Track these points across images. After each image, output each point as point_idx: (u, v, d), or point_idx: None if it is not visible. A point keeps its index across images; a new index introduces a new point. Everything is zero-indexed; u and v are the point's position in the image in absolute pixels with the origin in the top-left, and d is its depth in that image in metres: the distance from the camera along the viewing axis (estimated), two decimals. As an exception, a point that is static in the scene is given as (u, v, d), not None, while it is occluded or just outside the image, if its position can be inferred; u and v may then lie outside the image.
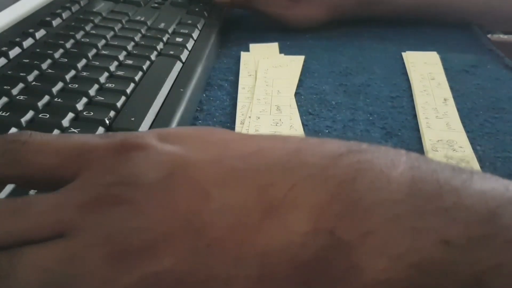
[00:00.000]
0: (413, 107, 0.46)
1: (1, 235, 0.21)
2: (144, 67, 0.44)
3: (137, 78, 0.42)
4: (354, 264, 0.19)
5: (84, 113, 0.36)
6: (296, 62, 0.54)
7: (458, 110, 0.45)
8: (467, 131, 0.42)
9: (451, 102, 0.46)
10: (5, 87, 0.37)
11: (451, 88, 0.49)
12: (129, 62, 0.45)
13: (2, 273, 0.20)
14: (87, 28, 0.50)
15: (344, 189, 0.20)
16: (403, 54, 0.56)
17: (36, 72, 0.40)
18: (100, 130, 0.34)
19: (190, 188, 0.21)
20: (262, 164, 0.22)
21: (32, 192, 0.27)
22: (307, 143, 0.23)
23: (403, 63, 0.54)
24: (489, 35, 0.63)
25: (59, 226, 0.21)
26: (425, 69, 0.52)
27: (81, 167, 0.23)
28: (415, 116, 0.45)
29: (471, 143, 0.40)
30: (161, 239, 0.20)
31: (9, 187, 0.28)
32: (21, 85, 0.38)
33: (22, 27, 0.48)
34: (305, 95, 0.48)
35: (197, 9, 0.60)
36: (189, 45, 0.51)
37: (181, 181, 0.21)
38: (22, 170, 0.23)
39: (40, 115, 0.35)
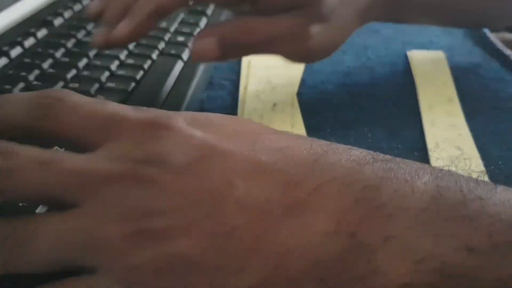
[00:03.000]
0: (417, 106, 0.46)
1: (21, 184, 0.21)
2: (145, 66, 0.44)
3: (138, 77, 0.42)
4: (374, 267, 0.19)
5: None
6: (298, 62, 0.54)
7: (462, 109, 0.45)
8: (471, 130, 0.42)
9: (456, 101, 0.46)
10: (6, 86, 0.37)
11: (455, 87, 0.48)
12: (130, 61, 0.45)
13: (16, 242, 0.20)
14: (89, 27, 0.50)
15: (368, 194, 0.20)
16: (408, 53, 0.55)
17: (37, 72, 0.40)
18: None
19: (215, 177, 0.21)
20: (289, 161, 0.22)
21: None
22: (334, 147, 0.23)
23: (407, 62, 0.54)
24: (493, 34, 0.63)
25: (82, 190, 0.21)
26: (430, 68, 0.52)
27: (110, 135, 0.23)
28: (418, 115, 0.44)
29: (475, 142, 0.40)
30: (179, 222, 0.20)
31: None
32: (22, 85, 0.38)
33: (24, 27, 0.48)
34: (307, 94, 0.48)
35: (199, 8, 0.60)
36: (191, 44, 0.51)
37: (208, 168, 0.21)
38: (52, 126, 0.23)
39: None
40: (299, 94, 0.47)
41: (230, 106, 0.46)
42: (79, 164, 0.22)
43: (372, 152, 0.23)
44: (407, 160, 0.23)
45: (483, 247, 0.19)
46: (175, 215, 0.20)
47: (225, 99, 0.47)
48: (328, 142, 0.24)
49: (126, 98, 0.39)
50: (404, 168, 0.22)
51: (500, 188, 0.21)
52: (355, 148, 0.23)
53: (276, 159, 0.22)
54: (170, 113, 0.24)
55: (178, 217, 0.20)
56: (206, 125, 0.24)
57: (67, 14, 0.53)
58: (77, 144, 0.23)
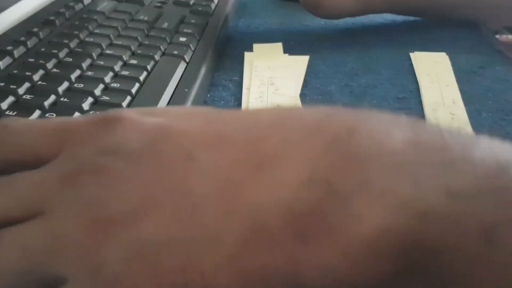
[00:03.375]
0: (421, 108, 0.46)
1: None
2: (149, 67, 0.44)
3: (141, 78, 0.42)
4: (351, 213, 0.18)
5: (90, 112, 0.36)
6: (300, 63, 0.54)
7: (467, 111, 0.45)
8: (475, 133, 0.41)
9: (460, 103, 0.46)
10: (11, 86, 0.36)
11: (459, 89, 0.48)
12: (134, 62, 0.45)
13: None
14: (91, 27, 0.50)
15: (340, 141, 0.19)
16: (411, 54, 0.55)
17: (41, 72, 0.40)
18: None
19: (173, 153, 0.20)
20: (250, 122, 0.21)
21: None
22: (300, 108, 0.23)
23: (410, 64, 0.54)
24: (497, 36, 0.63)
25: (40, 202, 0.20)
26: (433, 70, 0.52)
27: (62, 145, 0.22)
28: (423, 117, 0.44)
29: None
30: (142, 205, 0.19)
31: None
32: (27, 85, 0.37)
33: (26, 26, 0.47)
34: (310, 95, 0.48)
35: (200, 9, 0.60)
36: (193, 45, 0.51)
37: (164, 147, 0.21)
38: (3, 151, 0.23)
39: (47, 115, 0.34)
40: (302, 95, 0.47)
41: (233, 107, 0.45)
42: (31, 179, 0.21)
43: (344, 107, 0.22)
44: (383, 112, 0.22)
45: (466, 192, 0.18)
46: (134, 198, 0.19)
47: (228, 100, 0.47)
48: (294, 105, 0.24)
49: (131, 98, 0.39)
50: (378, 115, 0.21)
51: (483, 136, 0.20)
52: (326, 107, 0.22)
53: (235, 126, 0.21)
54: (119, 108, 0.24)
55: (138, 200, 0.19)
56: (158, 113, 0.23)
57: (68, 13, 0.52)
58: (34, 164, 0.22)
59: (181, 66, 0.46)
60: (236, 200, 0.19)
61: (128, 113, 0.23)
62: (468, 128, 0.42)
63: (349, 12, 0.61)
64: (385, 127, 0.20)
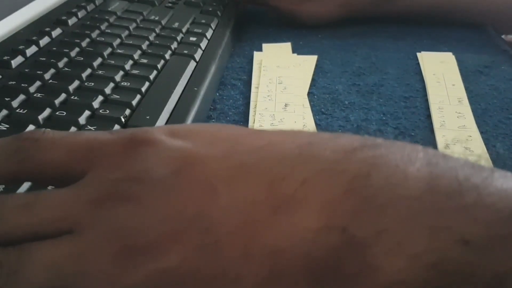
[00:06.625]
0: (427, 107, 0.46)
1: (11, 229, 0.21)
2: (159, 66, 0.45)
3: (152, 76, 0.43)
4: (368, 263, 0.18)
5: (100, 111, 0.36)
6: (309, 62, 0.54)
7: (472, 110, 0.45)
8: (481, 132, 0.42)
9: (466, 102, 0.46)
10: (22, 85, 0.37)
11: (465, 88, 0.49)
12: (144, 61, 0.45)
13: (11, 269, 0.20)
14: (103, 27, 0.51)
15: (358, 184, 0.20)
16: (418, 54, 0.56)
17: (52, 70, 0.40)
18: (116, 127, 0.35)
19: (198, 185, 0.21)
20: (272, 157, 0.21)
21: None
22: (318, 137, 0.23)
23: (417, 63, 0.54)
24: (503, 36, 0.63)
25: (67, 221, 0.21)
26: (439, 69, 0.52)
27: (90, 163, 0.23)
28: (428, 116, 0.45)
29: (485, 144, 0.40)
30: (167, 236, 0.20)
31: (27, 185, 0.28)
32: (38, 83, 0.38)
33: (39, 26, 0.48)
34: (318, 94, 0.48)
35: (210, 9, 0.61)
36: (203, 44, 0.52)
37: (189, 177, 0.21)
38: (34, 168, 0.23)
39: (57, 113, 0.35)
40: (310, 94, 0.48)
41: (242, 105, 0.46)
42: (62, 198, 0.21)
43: (360, 137, 0.22)
44: (399, 143, 0.22)
45: (480, 240, 0.18)
46: (161, 229, 0.20)
47: (237, 99, 0.47)
48: (312, 132, 0.23)
49: (140, 97, 0.39)
50: (396, 153, 0.21)
51: (497, 175, 0.20)
52: (342, 134, 0.23)
53: (258, 158, 0.21)
54: (148, 128, 0.24)
55: (164, 231, 0.20)
56: (185, 134, 0.23)
57: (80, 13, 0.53)
58: (62, 180, 0.23)
59: (191, 65, 0.47)
60: (256, 242, 0.19)
61: (155, 134, 0.23)
62: (473, 126, 0.42)
63: (330, 19, 0.64)
64: (401, 167, 0.20)
